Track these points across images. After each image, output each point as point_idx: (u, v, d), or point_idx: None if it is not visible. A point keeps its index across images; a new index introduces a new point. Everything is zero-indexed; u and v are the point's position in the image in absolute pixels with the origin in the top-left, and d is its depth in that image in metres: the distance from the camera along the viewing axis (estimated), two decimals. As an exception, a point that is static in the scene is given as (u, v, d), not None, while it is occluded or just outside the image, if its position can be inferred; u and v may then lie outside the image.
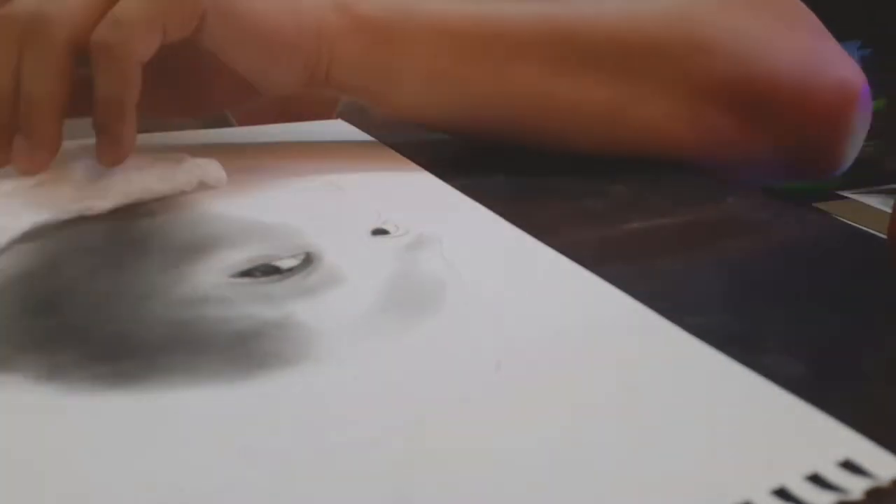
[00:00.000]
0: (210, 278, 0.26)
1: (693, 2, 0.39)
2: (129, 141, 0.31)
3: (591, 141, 0.39)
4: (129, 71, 0.30)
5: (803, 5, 0.42)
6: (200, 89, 0.38)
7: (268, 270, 0.26)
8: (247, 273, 0.26)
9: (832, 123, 0.41)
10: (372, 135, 0.45)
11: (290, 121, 0.47)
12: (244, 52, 0.34)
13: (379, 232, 0.30)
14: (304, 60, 0.35)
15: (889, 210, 0.35)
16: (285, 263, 0.27)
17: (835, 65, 0.41)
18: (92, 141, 0.32)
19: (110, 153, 0.31)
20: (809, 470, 0.16)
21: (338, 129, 0.47)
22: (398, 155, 0.40)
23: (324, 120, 0.49)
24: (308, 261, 0.27)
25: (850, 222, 0.33)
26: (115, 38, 0.30)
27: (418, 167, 0.38)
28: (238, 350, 0.21)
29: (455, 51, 0.36)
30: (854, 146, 0.43)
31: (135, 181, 0.32)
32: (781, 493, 0.16)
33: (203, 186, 0.33)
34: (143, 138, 0.37)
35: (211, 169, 0.33)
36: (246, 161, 0.38)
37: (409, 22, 0.36)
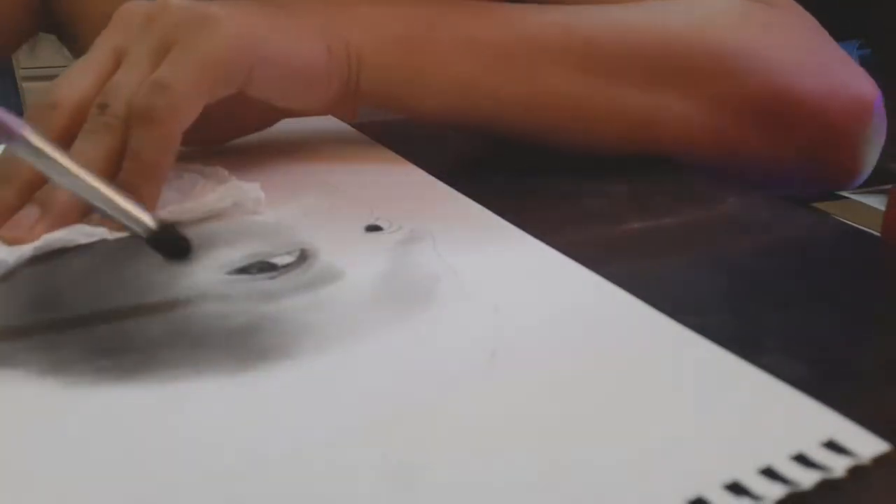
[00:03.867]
0: (208, 275, 0.26)
1: (715, 18, 0.39)
2: (152, 202, 0.31)
3: (618, 147, 0.39)
4: (170, 133, 0.30)
5: (817, 23, 0.43)
6: (229, 119, 0.39)
7: (264, 267, 0.26)
8: (244, 270, 0.26)
9: (850, 137, 0.41)
10: (365, 132, 0.45)
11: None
12: (286, 90, 0.35)
13: (372, 228, 0.30)
14: (337, 81, 0.36)
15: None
16: (281, 260, 0.27)
17: (852, 80, 0.42)
18: None
19: None
20: (795, 450, 0.17)
21: (329, 124, 0.47)
22: (391, 152, 0.40)
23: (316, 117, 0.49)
24: (303, 257, 0.27)
25: (849, 222, 0.33)
26: (159, 101, 0.30)
27: (411, 164, 0.38)
28: (237, 344, 0.22)
29: (481, 60, 0.37)
30: (871, 157, 0.43)
31: (169, 202, 0.31)
32: (768, 471, 0.16)
33: (238, 208, 0.32)
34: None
35: (250, 191, 0.32)
36: (239, 159, 0.38)
37: (433, 33, 0.37)
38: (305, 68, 0.35)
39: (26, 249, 0.27)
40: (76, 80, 0.31)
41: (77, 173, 0.25)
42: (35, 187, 0.30)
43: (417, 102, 0.38)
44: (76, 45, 0.60)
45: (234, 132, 0.42)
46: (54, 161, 0.25)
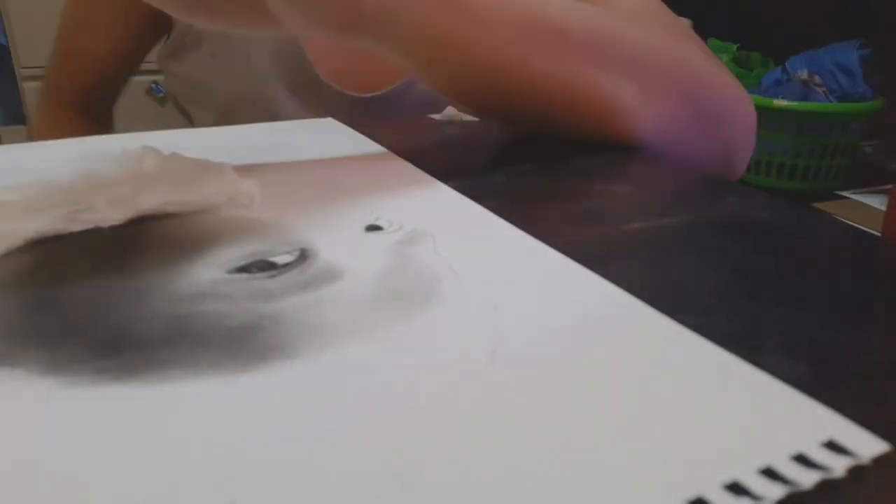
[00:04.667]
0: (208, 274, 0.26)
1: (626, 23, 0.44)
2: None
3: (584, 129, 0.42)
4: None
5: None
6: None
7: (264, 266, 0.26)
8: (243, 269, 0.26)
9: (748, 130, 0.50)
10: (365, 132, 0.45)
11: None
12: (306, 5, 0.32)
13: (373, 228, 0.30)
14: (367, 29, 0.34)
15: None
16: (281, 259, 0.27)
17: (732, 80, 0.50)
18: (135, 146, 0.32)
19: None
20: (795, 450, 0.17)
21: (329, 127, 0.47)
22: (391, 152, 0.40)
23: (315, 119, 0.49)
24: (303, 257, 0.27)
25: (850, 222, 0.33)
26: None
27: (411, 164, 0.38)
28: (237, 343, 0.22)
29: (508, 43, 0.38)
30: (751, 152, 0.52)
31: (163, 194, 0.31)
32: (768, 472, 0.16)
33: (231, 202, 0.32)
34: (142, 137, 0.37)
35: (244, 186, 0.32)
36: (239, 158, 0.38)
37: (468, 10, 0.37)
38: None
39: (15, 240, 0.27)
40: None
41: None
42: None
43: (443, 64, 0.38)
44: None
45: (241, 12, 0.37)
46: None
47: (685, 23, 0.53)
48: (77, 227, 0.29)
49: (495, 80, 0.40)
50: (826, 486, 0.16)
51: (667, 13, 0.50)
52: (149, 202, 0.30)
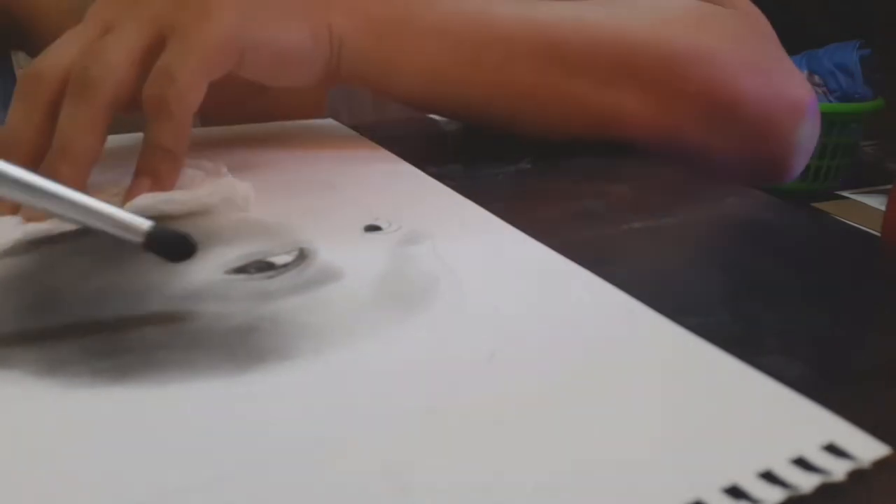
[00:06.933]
0: (206, 275, 0.26)
1: (670, 21, 0.43)
2: (171, 186, 0.32)
3: (576, 136, 0.42)
4: (182, 121, 0.32)
5: (765, 21, 0.47)
6: (221, 94, 0.39)
7: (262, 267, 0.26)
8: (241, 269, 0.26)
9: (783, 135, 0.46)
10: (364, 132, 0.45)
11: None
12: (274, 71, 0.37)
13: (371, 228, 0.30)
14: (322, 62, 0.38)
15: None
16: (279, 260, 0.27)
17: (789, 84, 0.46)
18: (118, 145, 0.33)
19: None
20: (794, 454, 0.17)
21: (329, 128, 0.47)
22: (391, 153, 0.40)
23: (315, 119, 0.49)
24: (302, 257, 0.27)
25: (850, 222, 0.32)
26: (169, 92, 0.31)
27: (410, 164, 0.38)
28: (234, 345, 0.22)
29: (454, 53, 0.39)
30: (804, 155, 0.48)
31: (156, 194, 0.31)
32: (767, 475, 0.16)
33: (227, 204, 0.32)
34: (135, 137, 0.37)
35: (240, 188, 0.32)
36: (239, 158, 0.38)
37: (412, 23, 0.39)
38: (292, 51, 0.37)
39: (5, 241, 0.27)
40: (62, 49, 0.33)
41: (55, 192, 0.24)
42: (42, 153, 0.31)
43: (390, 85, 0.41)
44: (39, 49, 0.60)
45: (226, 108, 0.42)
46: (26, 184, 0.24)
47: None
48: (69, 228, 0.29)
49: (435, 98, 0.41)
50: (826, 490, 0.16)
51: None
52: (142, 202, 0.30)
